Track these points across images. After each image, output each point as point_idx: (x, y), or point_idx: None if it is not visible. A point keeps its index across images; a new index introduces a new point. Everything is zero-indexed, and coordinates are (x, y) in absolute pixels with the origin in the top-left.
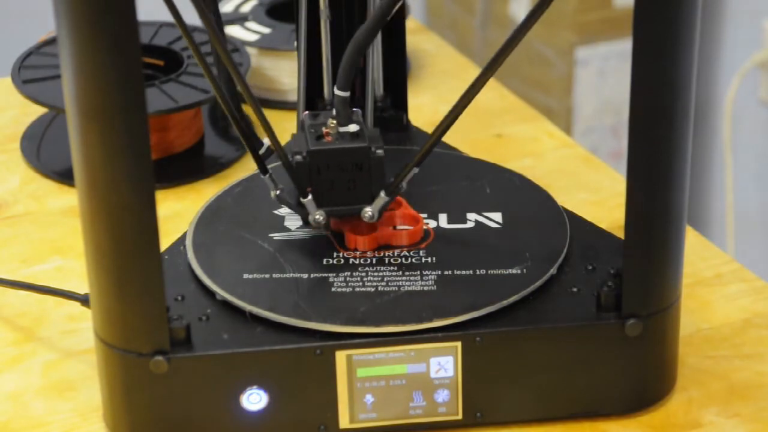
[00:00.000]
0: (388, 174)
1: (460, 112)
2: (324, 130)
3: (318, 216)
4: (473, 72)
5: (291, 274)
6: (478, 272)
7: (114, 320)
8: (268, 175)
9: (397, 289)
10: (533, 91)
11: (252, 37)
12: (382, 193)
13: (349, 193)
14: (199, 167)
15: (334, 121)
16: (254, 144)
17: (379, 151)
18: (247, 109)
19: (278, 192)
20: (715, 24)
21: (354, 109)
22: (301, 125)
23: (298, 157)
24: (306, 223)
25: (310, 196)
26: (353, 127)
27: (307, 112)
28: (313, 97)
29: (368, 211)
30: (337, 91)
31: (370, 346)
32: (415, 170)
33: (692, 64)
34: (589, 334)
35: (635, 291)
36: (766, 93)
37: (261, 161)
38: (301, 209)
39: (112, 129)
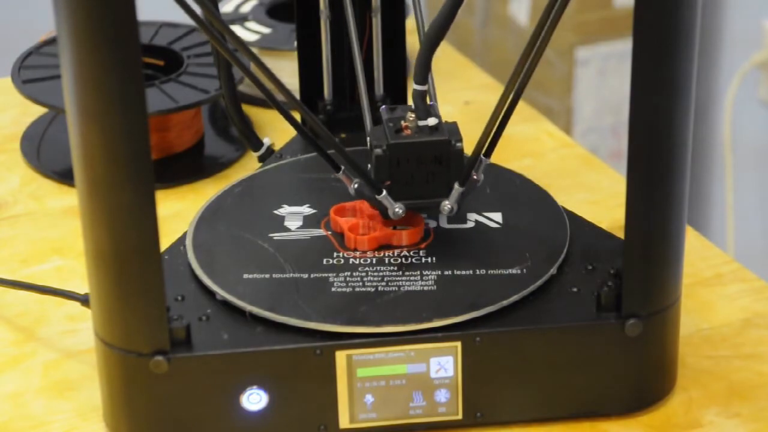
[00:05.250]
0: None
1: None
2: (403, 123)
3: (398, 209)
4: (473, 72)
5: (291, 274)
6: (478, 272)
7: (114, 320)
8: (342, 171)
9: (397, 289)
10: (533, 91)
11: (252, 37)
12: (456, 185)
13: (426, 186)
14: (199, 167)
15: (413, 115)
16: (322, 147)
17: (459, 144)
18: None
19: (356, 186)
20: (715, 24)
21: (431, 103)
22: (378, 119)
23: (378, 150)
24: (384, 215)
25: (384, 191)
26: (432, 121)
27: (384, 106)
28: (313, 97)
29: (447, 205)
30: (415, 86)
31: (370, 346)
32: (486, 160)
33: (692, 64)
34: (589, 334)
35: (635, 291)
36: (766, 93)
37: (330, 158)
38: (378, 202)
39: (112, 129)
